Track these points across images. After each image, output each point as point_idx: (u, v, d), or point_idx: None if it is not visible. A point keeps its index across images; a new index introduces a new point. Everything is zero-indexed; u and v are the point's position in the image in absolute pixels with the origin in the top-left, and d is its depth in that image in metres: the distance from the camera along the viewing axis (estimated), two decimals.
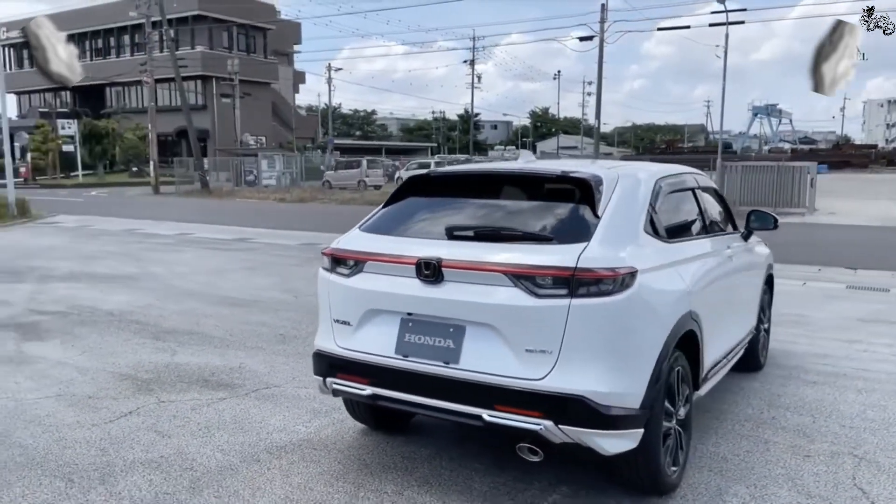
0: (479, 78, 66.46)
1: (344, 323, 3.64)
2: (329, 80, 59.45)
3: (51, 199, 29.40)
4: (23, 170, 41.73)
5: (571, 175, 3.59)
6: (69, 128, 42.34)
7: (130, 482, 3.61)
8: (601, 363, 3.12)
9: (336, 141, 71.26)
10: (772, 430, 4.50)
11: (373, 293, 3.52)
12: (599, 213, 3.39)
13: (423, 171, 4.06)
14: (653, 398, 3.27)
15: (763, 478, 3.80)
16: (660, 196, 3.86)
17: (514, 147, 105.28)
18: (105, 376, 5.42)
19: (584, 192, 3.48)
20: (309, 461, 3.92)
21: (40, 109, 52.05)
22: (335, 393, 3.68)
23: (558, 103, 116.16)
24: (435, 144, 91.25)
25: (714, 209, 4.94)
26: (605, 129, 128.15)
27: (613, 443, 3.16)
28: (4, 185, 21.97)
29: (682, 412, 3.72)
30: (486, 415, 3.18)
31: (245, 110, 50.52)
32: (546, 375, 3.11)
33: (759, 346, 5.69)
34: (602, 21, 24.38)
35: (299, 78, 65.05)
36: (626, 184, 3.65)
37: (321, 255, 3.86)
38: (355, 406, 4.18)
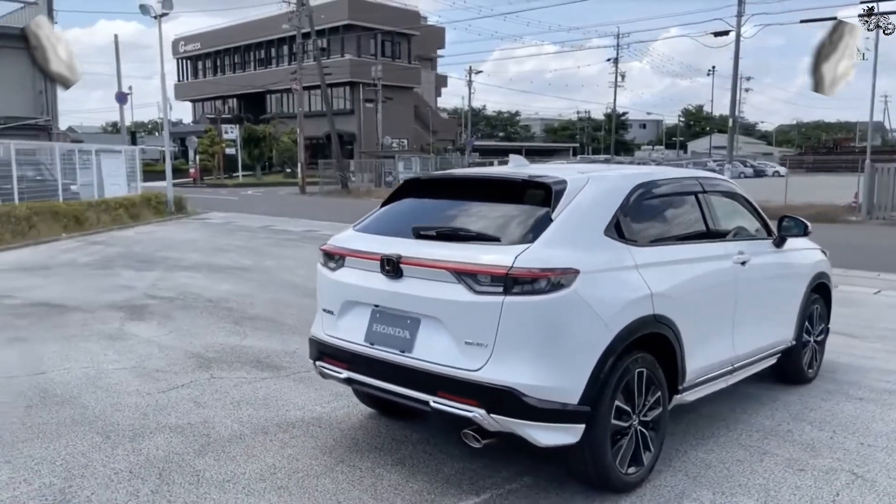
0: (623, 76, 64.82)
1: (329, 312, 4.04)
2: (469, 83, 60.57)
3: (211, 197, 32.42)
4: (192, 171, 46.18)
5: (535, 180, 3.76)
6: (231, 132, 46.30)
7: (153, 442, 4.21)
8: (532, 358, 3.28)
9: (477, 143, 72.35)
10: (779, 442, 4.38)
11: (350, 286, 3.89)
12: (553, 217, 3.54)
13: (416, 175, 4.38)
14: (594, 396, 3.38)
15: (737, 486, 3.76)
16: (636, 201, 3.92)
17: (662, 147, 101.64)
18: (178, 354, 6.19)
19: (544, 196, 3.65)
20: (308, 436, 4.35)
21: (208, 116, 57.20)
22: (323, 375, 4.08)
23: (711, 101, 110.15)
24: (577, 145, 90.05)
25: (729, 214, 4.84)
26: (767, 127, 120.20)
27: (547, 435, 3.32)
28: (178, 185, 24.56)
29: (651, 414, 3.78)
30: (432, 401, 3.44)
31: (388, 114, 52.62)
32: (482, 367, 3.32)
33: (804, 358, 5.45)
34: (739, 15, 23.19)
35: (441, 81, 66.74)
36: (592, 188, 3.76)
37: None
38: (359, 391, 4.56)
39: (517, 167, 4.30)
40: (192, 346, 6.43)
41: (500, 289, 3.30)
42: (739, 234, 4.89)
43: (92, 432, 4.35)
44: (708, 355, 4.22)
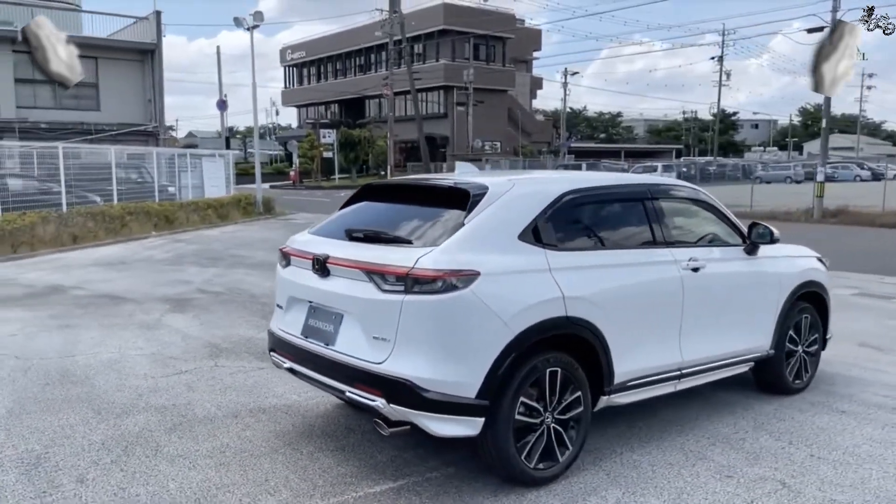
0: (728, 75, 62.30)
1: (280, 307, 4.41)
2: (564, 85, 60.05)
3: (305, 198, 33.89)
4: (291, 173, 48.32)
5: (457, 187, 3.98)
6: (329, 137, 48.09)
7: (134, 420, 4.72)
8: (429, 353, 3.51)
9: (576, 145, 71.52)
10: (724, 448, 4.37)
11: (293, 283, 4.24)
12: (466, 221, 3.75)
13: (372, 182, 4.68)
14: (494, 391, 3.56)
15: (652, 488, 3.83)
16: (562, 207, 4.05)
17: (775, 148, 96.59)
18: (197, 343, 6.76)
19: (462, 201, 3.86)
20: (271, 421, 4.74)
21: (308, 121, 59.60)
22: (276, 365, 4.45)
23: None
24: (681, 146, 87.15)
25: (691, 222, 4.86)
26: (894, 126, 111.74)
27: (444, 427, 3.53)
28: (279, 187, 25.86)
29: (569, 413, 3.90)
30: (348, 391, 3.74)
31: (481, 117, 53.05)
32: (385, 360, 3.58)
33: (788, 368, 5.34)
34: (834, 10, 21.92)
35: (536, 84, 66.44)
36: (513, 195, 3.94)
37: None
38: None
39: (461, 174, 4.50)
40: (212, 337, 6.99)
41: (402, 288, 3.55)
42: (699, 240, 4.89)
43: (88, 409, 4.92)
44: (644, 359, 4.28)
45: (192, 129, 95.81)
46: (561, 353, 3.86)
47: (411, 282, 3.52)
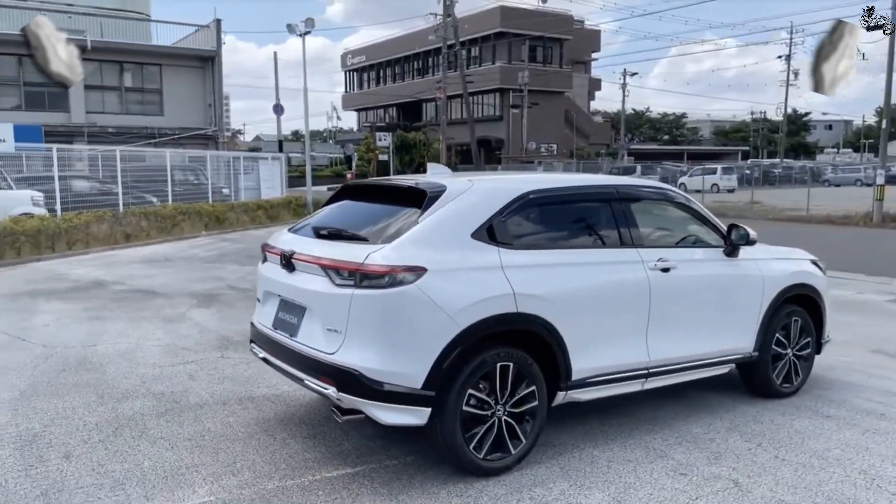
0: (796, 75, 60.20)
1: (258, 301, 4.67)
2: (623, 86, 59.25)
3: None
4: (348, 175, 49.21)
5: (417, 187, 4.14)
6: (385, 140, 48.74)
7: (131, 404, 5.06)
8: (376, 344, 3.69)
9: (637, 146, 70.44)
10: (688, 448, 4.40)
11: (267, 279, 4.49)
12: (420, 220, 3.92)
13: (349, 182, 4.89)
14: (439, 383, 3.71)
15: (599, 482, 3.90)
16: (520, 207, 4.17)
17: (849, 150, 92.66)
18: (211, 336, 7.12)
19: (419, 200, 4.03)
20: (256, 409, 5.00)
21: (365, 125, 60.57)
22: (255, 355, 4.70)
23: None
24: (748, 148, 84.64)
25: (665, 223, 4.91)
26: None
27: (390, 415, 3.71)
28: (334, 189, 26.60)
29: (523, 406, 4.02)
30: (306, 379, 3.95)
31: (536, 119, 52.86)
32: (336, 351, 3.78)
33: (774, 371, 5.29)
34: (894, 8, 20.99)
35: (595, 85, 65.69)
36: (469, 195, 4.08)
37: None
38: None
39: (431, 175, 4.66)
40: (227, 331, 7.34)
41: (352, 282, 3.74)
42: (672, 241, 4.92)
43: (93, 393, 5.29)
44: (605, 357, 4.34)
45: (260, 132, 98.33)
46: (513, 348, 3.98)
47: (360, 276, 3.71)
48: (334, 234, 4.17)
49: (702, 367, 4.92)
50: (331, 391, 3.76)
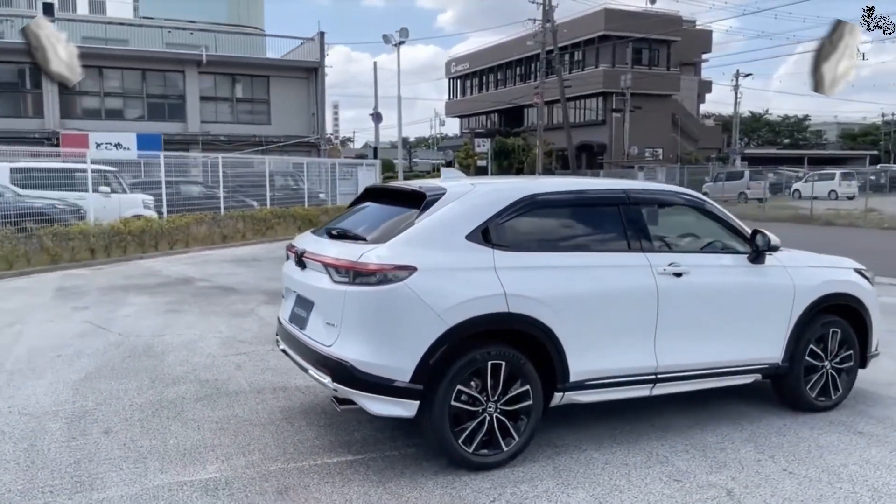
0: None
1: (283, 297, 4.99)
2: (735, 88, 56.80)
3: None
4: None
5: (419, 190, 4.33)
6: (483, 145, 49.14)
7: (177, 389, 5.51)
8: (366, 338, 3.90)
9: (754, 151, 67.28)
10: (693, 456, 4.34)
11: (288, 276, 4.80)
12: (416, 221, 4.11)
13: (369, 186, 5.13)
14: (427, 377, 3.87)
15: (588, 483, 3.94)
16: (520, 210, 4.26)
17: None
18: (269, 330, 7.55)
19: (419, 203, 4.22)
20: (286, 398, 5.32)
21: (464, 131, 61.13)
22: (278, 347, 5.02)
23: None
24: (877, 152, 78.84)
25: (676, 227, 4.84)
26: None
27: (380, 406, 3.90)
28: None
29: (517, 405, 4.11)
30: (310, 369, 4.22)
31: (641, 123, 51.60)
32: (333, 343, 4.02)
33: (806, 383, 5.09)
34: None
35: (705, 87, 63.28)
36: (466, 198, 4.22)
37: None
38: None
39: (444, 178, 4.82)
40: None
41: (347, 279, 3.97)
42: (690, 246, 4.85)
43: (147, 378, 5.80)
44: (607, 360, 4.35)
45: (369, 140, 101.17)
46: (506, 347, 4.08)
47: (354, 274, 3.94)
48: (341, 234, 4.42)
49: (720, 375, 4.81)
50: (327, 381, 4.01)
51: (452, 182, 4.51)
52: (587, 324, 4.27)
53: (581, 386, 4.31)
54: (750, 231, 4.94)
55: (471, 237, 4.11)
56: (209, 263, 13.30)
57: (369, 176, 28.69)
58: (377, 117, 31.02)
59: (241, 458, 4.22)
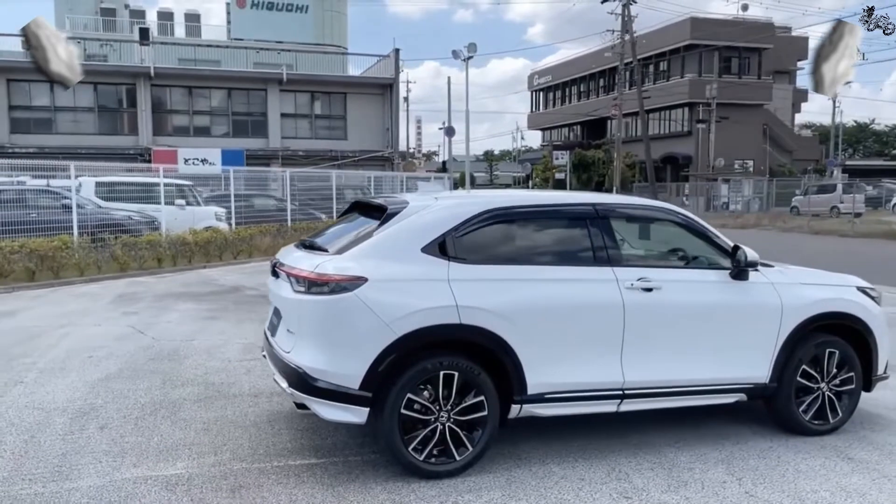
0: None
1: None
2: (833, 96, 53.94)
3: None
4: None
5: (384, 204, 4.47)
6: (562, 158, 48.75)
7: (182, 391, 5.83)
8: (318, 345, 4.05)
9: (855, 162, 63.65)
10: (658, 475, 4.25)
11: (269, 286, 5.03)
12: (374, 233, 4.25)
13: (356, 199, 5.31)
14: (376, 385, 3.99)
15: (536, 496, 3.94)
16: (479, 224, 4.32)
17: None
18: None
19: (381, 216, 4.36)
20: (278, 403, 5.52)
21: (543, 143, 60.73)
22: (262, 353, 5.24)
23: None
24: None
25: (653, 242, 4.75)
26: None
27: (330, 412, 4.05)
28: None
29: (470, 415, 4.17)
30: (275, 374, 4.42)
31: (730, 134, 49.84)
32: (291, 350, 4.20)
33: (798, 405, 4.89)
34: None
35: (800, 96, 60.43)
36: (426, 212, 4.33)
37: None
38: None
39: (421, 193, 4.92)
40: None
41: (303, 289, 4.15)
42: (665, 261, 4.76)
43: (160, 379, 6.17)
44: (568, 374, 4.33)
45: (455, 153, 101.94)
46: (459, 358, 4.14)
47: (309, 283, 4.11)
48: (309, 246, 4.62)
49: (697, 394, 4.68)
50: (285, 385, 4.20)
51: (418, 196, 4.63)
52: (545, 337, 4.27)
53: (540, 399, 4.31)
54: (731, 247, 4.81)
55: (427, 250, 4.20)
56: (264, 273, 13.79)
57: (436, 188, 29.11)
58: (449, 131, 31.40)
59: (212, 456, 4.46)
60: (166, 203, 16.37)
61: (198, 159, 28.17)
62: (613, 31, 40.32)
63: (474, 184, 71.75)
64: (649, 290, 4.50)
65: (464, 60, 25.64)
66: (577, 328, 4.37)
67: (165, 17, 44.19)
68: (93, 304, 10.07)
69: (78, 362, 6.70)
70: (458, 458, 4.16)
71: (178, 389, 5.87)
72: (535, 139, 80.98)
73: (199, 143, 29.86)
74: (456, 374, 4.12)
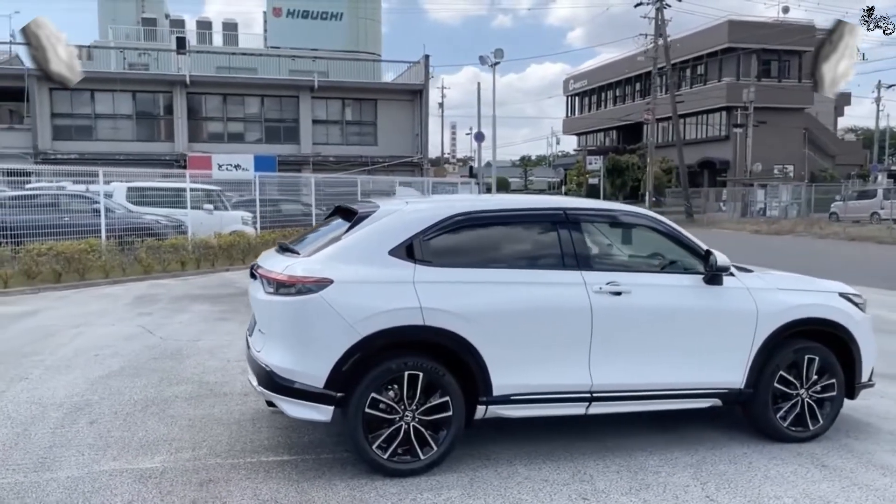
0: None
1: None
2: (878, 99, 52.60)
3: None
4: None
5: (356, 208, 4.58)
6: (595, 163, 48.47)
7: (176, 389, 6.01)
8: (285, 345, 4.18)
9: None
10: (623, 478, 4.27)
11: (249, 290, 5.18)
12: (343, 237, 4.36)
13: (338, 205, 5.43)
14: (340, 384, 4.09)
15: (495, 496, 3.99)
16: (447, 228, 4.40)
17: None
18: None
19: (352, 220, 4.47)
20: (243, 401, 5.60)
21: (576, 149, 60.32)
22: None
23: None
24: None
25: (625, 245, 4.77)
26: None
27: (296, 409, 4.16)
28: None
29: (434, 415, 4.24)
30: (248, 373, 4.56)
31: (769, 139, 48.91)
32: (262, 349, 4.34)
33: (775, 411, 4.85)
34: None
35: (843, 100, 59.02)
36: (394, 216, 4.42)
37: None
38: None
39: (399, 196, 5.02)
40: None
41: (273, 290, 4.28)
42: (635, 265, 4.78)
43: (157, 377, 6.37)
44: (534, 376, 4.37)
45: (489, 158, 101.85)
46: (424, 359, 4.22)
47: (277, 285, 4.24)
48: (284, 249, 4.75)
49: (668, 398, 4.68)
50: (255, 384, 4.34)
51: (388, 201, 4.73)
52: (511, 339, 4.33)
53: (506, 400, 4.36)
54: (704, 251, 4.79)
55: (394, 253, 4.29)
56: None
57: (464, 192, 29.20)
58: (478, 136, 31.50)
59: (190, 451, 4.61)
60: (193, 207, 16.76)
61: (231, 165, 28.72)
62: (647, 34, 39.91)
63: (508, 189, 71.68)
64: (618, 293, 4.52)
65: (491, 66, 25.76)
66: (544, 330, 4.41)
67: (204, 26, 45.24)
68: (112, 305, 10.40)
69: (84, 360, 6.95)
70: (422, 457, 4.24)
71: (173, 387, 6.06)
72: (571, 144, 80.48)
73: (233, 148, 30.48)
74: (421, 374, 4.20)
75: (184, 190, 17.59)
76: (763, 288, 4.85)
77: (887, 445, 4.87)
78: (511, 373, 4.33)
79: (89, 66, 37.70)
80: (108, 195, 17.53)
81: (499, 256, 4.56)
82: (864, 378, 5.08)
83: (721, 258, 4.65)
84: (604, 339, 4.48)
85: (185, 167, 27.97)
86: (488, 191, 33.59)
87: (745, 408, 4.91)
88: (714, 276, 4.72)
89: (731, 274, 4.81)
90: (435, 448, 4.26)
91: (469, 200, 4.87)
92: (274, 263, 4.47)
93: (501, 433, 4.88)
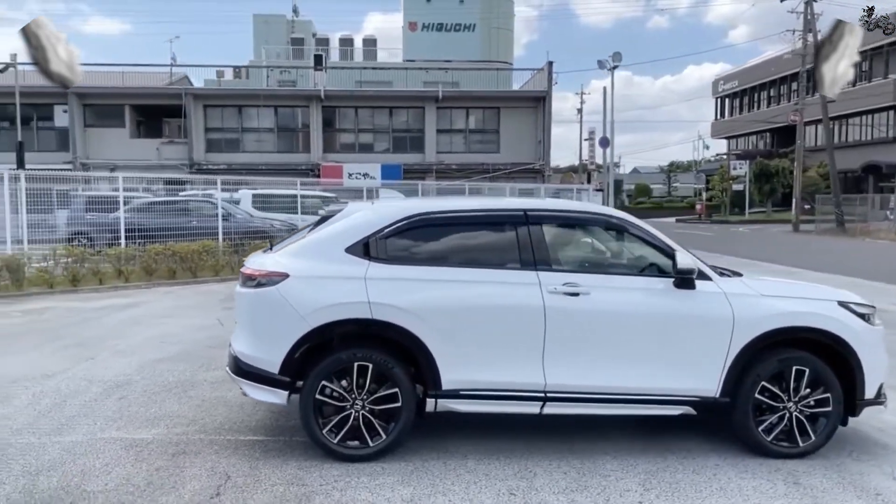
0: None
1: None
2: None
3: (689, 232, 33.28)
4: (697, 206, 47.32)
5: (328, 212, 4.88)
6: (740, 168, 45.75)
7: (206, 374, 6.59)
8: (248, 334, 4.55)
9: None
10: (571, 480, 4.23)
11: None
12: (308, 235, 4.68)
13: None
14: (293, 371, 4.40)
15: (423, 484, 4.11)
16: (404, 227, 4.57)
17: None
18: None
19: (320, 221, 4.78)
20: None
21: (722, 153, 57.03)
22: None
23: None
24: None
25: (592, 247, 4.70)
26: None
27: (257, 393, 4.52)
28: (683, 221, 26.98)
29: (383, 405, 4.43)
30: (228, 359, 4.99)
31: None
32: (233, 337, 4.73)
33: (758, 423, 4.58)
34: None
35: None
36: (356, 216, 4.67)
37: None
38: None
39: (382, 199, 5.25)
40: None
41: (240, 283, 4.67)
42: (597, 267, 4.70)
43: (201, 363, 7.00)
44: (484, 373, 4.44)
45: (637, 165, 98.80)
46: (374, 351, 4.42)
47: (245, 278, 4.63)
48: (269, 249, 5.13)
49: (631, 402, 4.55)
50: (228, 370, 4.74)
51: (360, 204, 4.98)
52: (460, 335, 4.42)
53: (455, 395, 4.46)
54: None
55: (350, 250, 4.54)
56: None
57: (594, 201, 28.74)
58: (603, 142, 30.89)
59: (183, 427, 5.10)
60: (304, 213, 17.90)
61: (360, 174, 30.17)
62: (794, 31, 37.25)
63: (649, 196, 69.18)
64: (575, 294, 4.48)
65: (609, 70, 25.24)
66: (494, 328, 4.45)
67: (346, 42, 47.80)
68: (206, 300, 11.41)
69: (149, 346, 7.76)
70: (371, 444, 4.44)
71: (207, 373, 6.65)
72: (720, 148, 76.35)
73: (363, 158, 32.02)
74: (370, 365, 4.41)
75: (302, 196, 18.87)
76: (742, 294, 4.59)
77: (888, 468, 4.43)
78: (460, 368, 4.42)
79: (244, 85, 41.10)
80: (236, 202, 19.19)
81: (453, 256, 4.67)
82: (870, 394, 4.64)
83: (684, 260, 4.47)
84: (558, 339, 4.46)
85: (319, 176, 29.80)
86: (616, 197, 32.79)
87: (728, 417, 4.66)
88: (684, 279, 4.54)
89: (708, 278, 4.60)
90: (384, 437, 4.44)
91: (427, 202, 5.00)
92: (252, 261, 4.87)
93: (475, 430, 4.95)
